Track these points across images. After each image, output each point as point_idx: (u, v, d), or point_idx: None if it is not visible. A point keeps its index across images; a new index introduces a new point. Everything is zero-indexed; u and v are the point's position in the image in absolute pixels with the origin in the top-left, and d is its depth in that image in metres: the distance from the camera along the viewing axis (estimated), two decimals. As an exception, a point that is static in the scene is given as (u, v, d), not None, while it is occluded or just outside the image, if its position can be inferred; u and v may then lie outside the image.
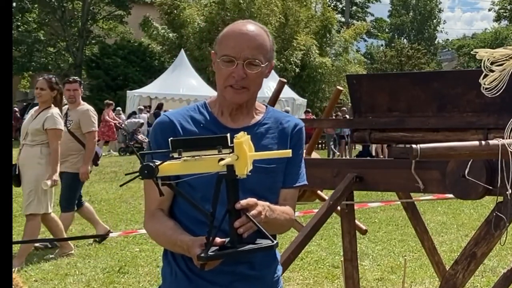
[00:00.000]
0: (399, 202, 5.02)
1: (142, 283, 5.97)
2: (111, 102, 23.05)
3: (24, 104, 34.03)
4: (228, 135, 1.77)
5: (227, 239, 1.83)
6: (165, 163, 1.76)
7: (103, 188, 12.57)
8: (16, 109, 30.30)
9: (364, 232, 4.82)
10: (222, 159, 1.74)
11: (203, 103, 2.16)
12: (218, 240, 1.81)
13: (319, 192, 4.48)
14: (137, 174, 1.76)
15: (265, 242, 1.84)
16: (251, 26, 2.08)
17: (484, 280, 6.10)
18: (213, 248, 1.79)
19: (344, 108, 24.18)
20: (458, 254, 2.93)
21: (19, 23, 32.53)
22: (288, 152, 1.85)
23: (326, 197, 4.04)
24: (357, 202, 4.73)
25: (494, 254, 6.80)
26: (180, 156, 1.76)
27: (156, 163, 1.75)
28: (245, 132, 1.81)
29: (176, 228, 2.02)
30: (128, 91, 26.08)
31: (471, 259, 2.79)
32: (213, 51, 2.13)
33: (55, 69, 33.38)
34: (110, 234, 7.57)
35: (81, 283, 5.92)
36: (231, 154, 1.74)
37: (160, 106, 23.57)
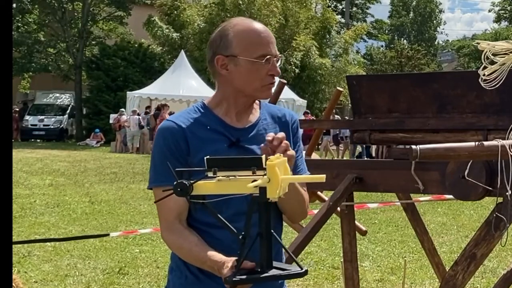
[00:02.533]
0: (399, 203, 5.02)
1: (142, 284, 5.97)
2: (165, 104, 23.12)
3: (24, 105, 34.07)
4: (264, 156, 1.72)
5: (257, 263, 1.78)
6: (200, 181, 1.74)
7: (103, 189, 12.57)
8: (16, 110, 30.38)
9: (364, 233, 4.82)
10: (255, 180, 1.70)
11: (202, 104, 2.12)
12: (248, 263, 1.76)
13: (319, 193, 4.48)
14: (171, 191, 1.74)
15: (293, 269, 1.79)
16: (258, 24, 2.09)
17: (484, 281, 6.10)
18: (243, 272, 1.75)
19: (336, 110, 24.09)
20: (458, 255, 2.93)
21: (19, 24, 32.47)
22: (322, 177, 1.77)
23: (326, 198, 4.04)
24: (357, 203, 4.73)
25: (494, 255, 6.80)
26: (215, 176, 1.73)
27: (191, 181, 1.73)
28: (281, 155, 1.77)
29: (202, 245, 1.95)
30: (128, 92, 26.07)
31: (471, 260, 2.79)
32: (220, 56, 2.04)
33: (55, 70, 33.32)
34: (110, 235, 7.57)
35: (81, 284, 5.92)
36: (263, 177, 1.70)
37: (159, 108, 23.56)
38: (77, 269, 6.43)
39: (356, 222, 3.95)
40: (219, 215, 1.81)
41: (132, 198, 11.35)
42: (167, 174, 1.85)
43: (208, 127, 2.04)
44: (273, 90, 2.11)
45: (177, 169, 1.78)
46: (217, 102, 2.11)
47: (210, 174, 1.74)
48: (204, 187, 1.75)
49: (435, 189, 3.13)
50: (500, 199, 2.65)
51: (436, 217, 9.74)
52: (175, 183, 1.73)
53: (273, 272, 1.76)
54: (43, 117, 30.80)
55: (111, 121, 25.50)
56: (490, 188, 2.78)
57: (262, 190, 1.70)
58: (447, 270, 3.27)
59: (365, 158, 16.92)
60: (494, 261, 6.74)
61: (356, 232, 3.91)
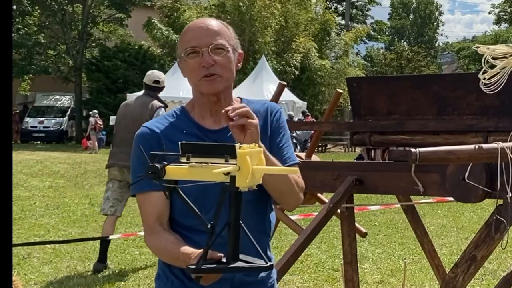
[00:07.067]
0: (399, 205, 5.02)
1: (142, 286, 5.97)
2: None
3: (24, 107, 34.06)
4: (238, 144, 1.70)
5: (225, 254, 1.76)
6: (172, 166, 1.73)
7: (103, 191, 12.53)
8: (16, 112, 30.40)
9: (364, 235, 4.82)
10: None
11: (180, 108, 2.13)
12: (216, 254, 1.75)
13: (319, 195, 4.48)
14: (144, 176, 1.74)
15: (259, 262, 1.77)
16: (207, 19, 2.07)
17: (484, 283, 6.10)
18: (209, 262, 1.73)
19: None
20: (458, 257, 2.93)
21: (19, 26, 32.44)
22: (295, 170, 1.76)
23: (326, 200, 4.04)
24: (357, 205, 4.73)
25: (494, 257, 6.80)
26: (188, 161, 1.72)
27: (163, 165, 1.72)
28: (256, 144, 1.74)
29: (177, 242, 1.96)
30: (128, 94, 26.04)
31: (471, 262, 2.79)
32: (178, 60, 2.09)
33: (55, 72, 33.33)
34: (110, 237, 7.56)
35: (80, 286, 5.92)
36: (234, 165, 1.68)
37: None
38: (77, 271, 6.43)
39: (356, 224, 3.95)
40: (190, 203, 1.79)
41: (131, 200, 11.26)
42: (147, 180, 1.82)
43: (184, 131, 2.04)
44: (217, 82, 2.01)
45: (152, 152, 1.78)
46: (192, 105, 2.12)
47: (183, 159, 1.73)
48: (177, 172, 1.74)
49: (435, 191, 3.13)
50: (500, 201, 2.64)
51: (436, 219, 9.74)
52: (147, 166, 1.73)
53: (237, 264, 1.74)
54: (43, 119, 30.82)
55: (111, 123, 25.59)
56: (490, 190, 2.78)
57: (233, 179, 1.68)
58: (447, 272, 3.27)
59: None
60: (494, 263, 6.74)
61: (356, 234, 3.91)
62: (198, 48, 1.99)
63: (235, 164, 1.68)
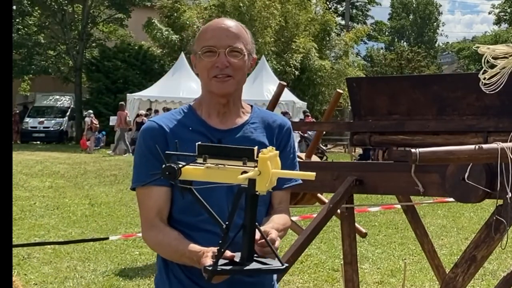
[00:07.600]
0: (399, 205, 5.02)
1: (142, 286, 5.97)
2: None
3: (24, 107, 34.05)
4: (256, 148, 1.72)
5: (237, 253, 1.76)
6: (189, 166, 1.73)
7: (103, 192, 12.56)
8: (16, 112, 30.39)
9: (364, 235, 4.83)
10: (245, 172, 1.69)
11: (188, 106, 2.15)
12: (228, 253, 1.75)
13: (319, 195, 4.48)
14: (159, 174, 1.75)
15: (275, 264, 1.78)
16: (228, 21, 2.10)
17: (484, 284, 6.10)
18: (223, 262, 1.74)
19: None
20: (458, 257, 2.93)
21: (19, 26, 32.40)
22: (312, 175, 1.76)
23: (326, 200, 4.04)
24: (357, 205, 4.73)
25: (494, 257, 6.80)
26: (204, 162, 1.73)
27: (179, 166, 1.73)
28: (273, 148, 1.76)
29: (181, 238, 1.96)
30: (128, 94, 26.08)
31: (471, 262, 2.79)
32: (192, 55, 2.12)
33: (55, 72, 33.31)
34: (110, 237, 7.57)
35: (80, 287, 5.92)
36: (254, 169, 1.69)
37: (168, 110, 23.57)
38: (76, 271, 6.42)
39: (356, 224, 3.96)
40: (204, 203, 1.79)
41: (132, 201, 11.33)
42: (148, 174, 1.85)
43: (190, 128, 2.06)
44: (228, 84, 2.03)
45: (167, 152, 1.79)
46: (199, 103, 2.14)
47: (200, 160, 1.74)
48: (193, 173, 1.74)
49: (435, 191, 3.13)
50: (500, 202, 2.64)
51: (436, 219, 9.74)
52: (163, 166, 1.73)
53: (253, 265, 1.75)
54: (43, 119, 30.81)
55: (111, 123, 25.61)
56: (490, 191, 2.78)
57: (252, 182, 1.69)
58: (447, 272, 3.27)
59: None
60: (494, 263, 6.74)
61: (356, 234, 3.91)
62: (215, 48, 2.02)
63: (254, 167, 1.69)
